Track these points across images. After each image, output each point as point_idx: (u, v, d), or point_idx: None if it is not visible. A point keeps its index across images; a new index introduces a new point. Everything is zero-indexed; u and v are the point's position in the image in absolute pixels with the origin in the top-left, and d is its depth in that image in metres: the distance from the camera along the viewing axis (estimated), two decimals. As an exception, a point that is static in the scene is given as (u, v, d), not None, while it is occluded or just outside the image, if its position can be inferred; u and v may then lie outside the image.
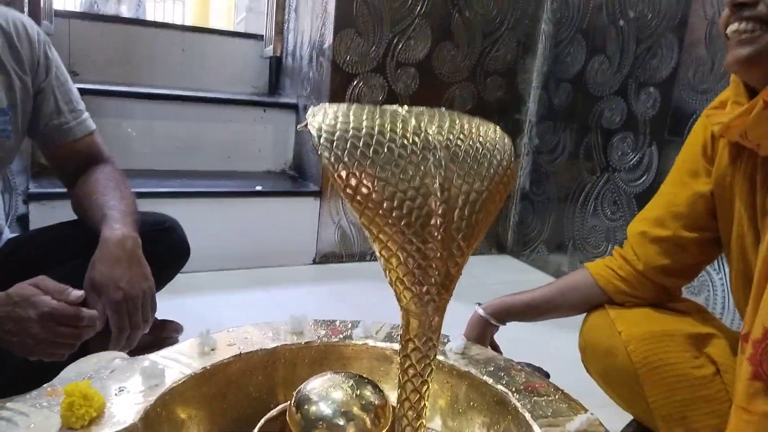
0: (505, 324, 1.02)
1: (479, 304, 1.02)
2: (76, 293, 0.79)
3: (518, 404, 0.70)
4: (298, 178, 2.15)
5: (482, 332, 1.01)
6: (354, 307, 1.63)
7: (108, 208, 0.93)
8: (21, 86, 0.95)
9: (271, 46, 2.30)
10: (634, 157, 1.75)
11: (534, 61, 2.17)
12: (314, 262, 1.98)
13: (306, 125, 0.52)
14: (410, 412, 0.55)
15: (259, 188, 1.88)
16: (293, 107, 2.18)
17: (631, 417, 0.99)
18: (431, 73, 2.01)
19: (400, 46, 1.94)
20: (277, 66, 2.39)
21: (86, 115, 1.05)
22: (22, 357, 0.77)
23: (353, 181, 0.49)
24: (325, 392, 0.60)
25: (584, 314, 0.97)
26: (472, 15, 2.01)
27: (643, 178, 1.71)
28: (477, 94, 2.10)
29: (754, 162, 0.76)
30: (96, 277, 0.83)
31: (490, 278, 2.00)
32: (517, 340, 1.05)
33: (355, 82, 1.91)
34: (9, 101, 0.94)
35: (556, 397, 0.72)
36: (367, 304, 1.61)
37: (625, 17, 1.79)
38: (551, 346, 1.10)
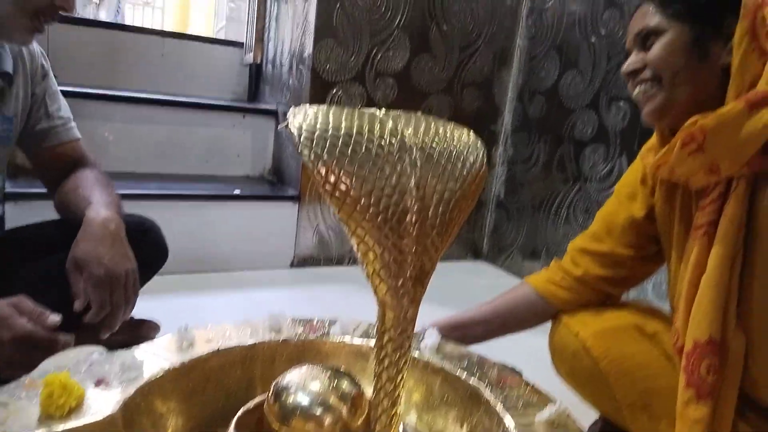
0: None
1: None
2: (54, 318, 0.76)
3: (490, 397, 0.73)
4: (277, 182, 2.16)
5: None
6: (331, 310, 1.64)
7: (92, 198, 0.95)
8: (23, 95, 0.98)
9: (251, 54, 2.31)
10: (605, 167, 1.81)
11: (509, 73, 2.23)
12: (292, 265, 1.99)
13: (287, 125, 0.54)
14: (385, 401, 0.58)
15: (237, 192, 1.89)
16: (273, 113, 2.20)
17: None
18: (409, 83, 2.05)
19: (379, 57, 1.98)
20: (257, 73, 2.40)
21: (73, 123, 1.09)
22: None
23: (332, 178, 0.52)
24: (303, 383, 0.62)
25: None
26: (449, 28, 2.06)
27: (614, 188, 1.76)
28: (454, 105, 2.15)
29: (689, 194, 0.82)
30: (78, 254, 0.84)
31: (466, 283, 2.03)
32: (490, 343, 1.08)
33: (335, 90, 1.94)
34: (14, 110, 0.97)
35: (527, 390, 0.75)
36: (344, 307, 1.62)
37: (597, 34, 1.85)
38: (524, 347, 1.13)
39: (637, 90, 0.79)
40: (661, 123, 0.80)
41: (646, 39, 0.78)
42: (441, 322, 1.00)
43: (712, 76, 0.74)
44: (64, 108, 1.07)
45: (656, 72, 0.76)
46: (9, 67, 0.94)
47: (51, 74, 1.05)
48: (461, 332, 0.99)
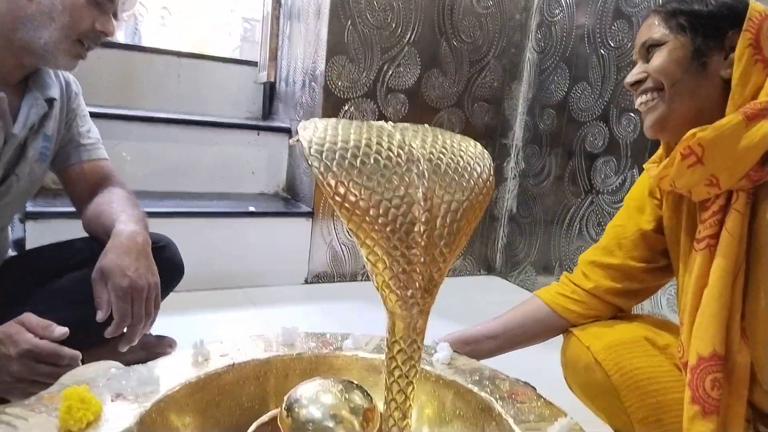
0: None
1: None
2: (60, 330, 0.78)
3: (502, 410, 0.72)
4: (291, 199, 2.18)
5: None
6: (344, 325, 1.63)
7: (122, 213, 0.98)
8: (59, 117, 1.02)
9: (265, 72, 2.35)
10: (617, 179, 1.80)
11: (519, 87, 2.24)
12: (306, 281, 2.00)
13: (297, 139, 0.55)
14: (396, 413, 0.58)
15: (251, 209, 1.91)
16: (286, 131, 2.23)
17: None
18: (420, 98, 2.07)
19: (390, 73, 2.00)
20: (270, 91, 2.44)
21: (102, 145, 1.13)
22: None
23: (341, 190, 0.53)
24: (315, 396, 0.62)
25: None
26: (459, 44, 2.08)
27: (626, 200, 1.76)
28: (465, 119, 2.16)
29: (694, 206, 0.82)
30: (105, 264, 0.86)
31: (478, 298, 2.03)
32: (502, 358, 1.07)
33: (347, 107, 1.97)
34: (52, 130, 1.01)
35: (539, 403, 0.75)
36: (357, 322, 1.62)
37: (605, 46, 1.86)
38: (537, 363, 1.12)
39: (639, 100, 0.80)
40: (662, 136, 0.80)
41: (649, 50, 0.78)
42: (451, 337, 1.00)
43: (713, 88, 0.74)
44: (93, 130, 1.12)
45: (657, 82, 0.76)
46: (56, 93, 0.99)
47: (81, 97, 1.10)
48: (472, 347, 0.99)
